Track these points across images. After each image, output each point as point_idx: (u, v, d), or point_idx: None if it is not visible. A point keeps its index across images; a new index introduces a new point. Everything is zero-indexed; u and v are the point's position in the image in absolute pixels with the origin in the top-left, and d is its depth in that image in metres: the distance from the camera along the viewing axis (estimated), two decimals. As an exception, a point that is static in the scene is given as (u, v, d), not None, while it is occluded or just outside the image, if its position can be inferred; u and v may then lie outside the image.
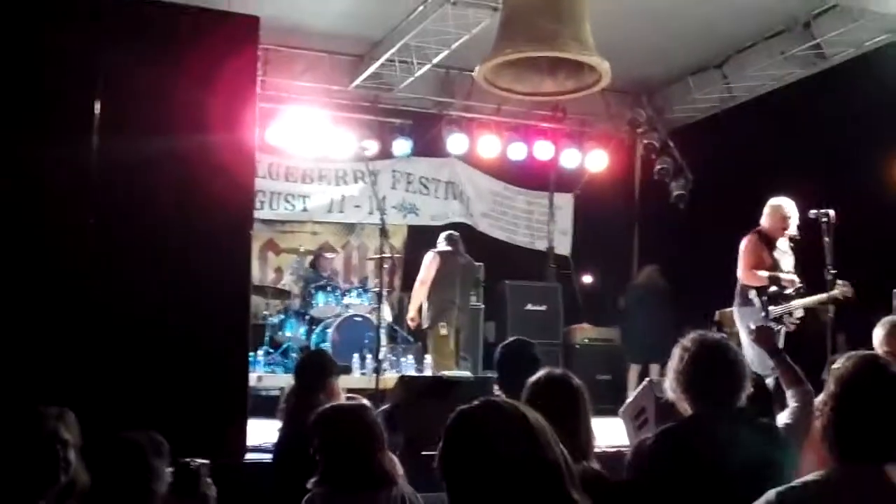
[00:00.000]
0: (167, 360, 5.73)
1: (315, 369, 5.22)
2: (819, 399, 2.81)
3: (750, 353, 5.33)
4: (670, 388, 3.60)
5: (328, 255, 10.86)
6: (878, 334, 5.11)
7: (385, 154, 11.19)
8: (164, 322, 5.76)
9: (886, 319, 5.17)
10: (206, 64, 6.04)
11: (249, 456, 5.91)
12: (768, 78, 9.99)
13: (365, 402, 4.76)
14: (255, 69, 6.46)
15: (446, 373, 8.17)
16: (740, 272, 7.49)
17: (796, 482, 2.68)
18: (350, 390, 6.52)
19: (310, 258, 10.70)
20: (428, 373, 9.09)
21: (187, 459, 3.21)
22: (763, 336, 4.61)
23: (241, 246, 6.25)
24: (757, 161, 9.54)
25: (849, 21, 8.67)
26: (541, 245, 12.33)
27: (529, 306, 11.01)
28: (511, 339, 5.48)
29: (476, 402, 2.30)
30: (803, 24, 9.18)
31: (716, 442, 3.36)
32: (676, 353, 3.61)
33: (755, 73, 10.06)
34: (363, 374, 9.12)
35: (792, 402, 4.05)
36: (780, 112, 9.83)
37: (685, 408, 3.55)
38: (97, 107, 5.74)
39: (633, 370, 10.29)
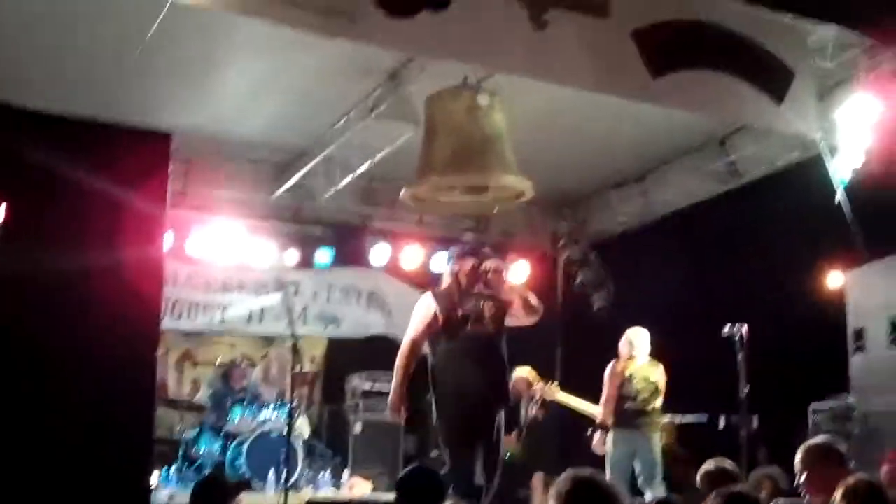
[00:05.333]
0: (66, 481, 5.55)
1: (209, 499, 5.04)
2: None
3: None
4: None
5: (245, 367, 10.66)
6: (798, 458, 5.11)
7: (306, 264, 11.08)
8: (63, 441, 5.60)
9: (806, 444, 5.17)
10: (117, 179, 5.99)
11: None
12: (686, 193, 10.15)
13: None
14: (165, 185, 6.43)
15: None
16: None
17: None
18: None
19: (226, 371, 10.49)
20: (345, 489, 8.91)
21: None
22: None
23: (147, 363, 6.13)
24: (675, 274, 9.63)
25: (761, 139, 8.87)
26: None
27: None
28: (413, 467, 5.34)
29: None
30: (719, 141, 9.39)
31: None
32: (552, 494, 3.58)
33: (674, 188, 10.23)
34: (277, 491, 8.87)
35: None
36: (698, 226, 9.98)
37: None
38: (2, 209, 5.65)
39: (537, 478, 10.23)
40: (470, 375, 6.56)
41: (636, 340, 8.48)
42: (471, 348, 6.64)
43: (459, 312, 6.73)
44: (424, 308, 6.91)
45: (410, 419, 7.29)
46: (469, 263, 6.92)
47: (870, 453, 5.79)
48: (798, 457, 4.76)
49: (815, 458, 4.71)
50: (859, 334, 6.96)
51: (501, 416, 6.79)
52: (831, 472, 4.36)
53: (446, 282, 6.99)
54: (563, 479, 3.59)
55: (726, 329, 7.11)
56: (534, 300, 6.94)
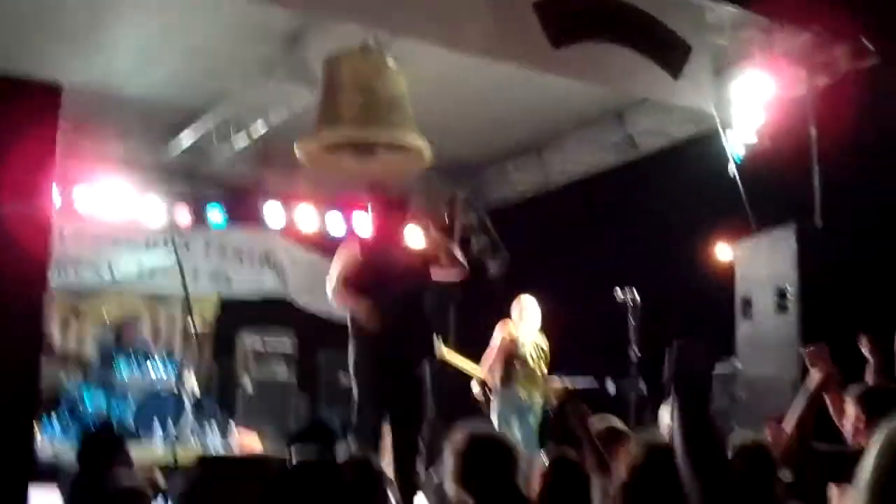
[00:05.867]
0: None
1: (96, 449, 4.95)
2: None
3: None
4: (450, 489, 3.58)
5: (134, 324, 10.47)
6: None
7: (199, 223, 10.91)
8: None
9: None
10: (2, 132, 5.78)
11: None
12: (583, 164, 10.26)
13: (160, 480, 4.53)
14: (54, 138, 6.20)
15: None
16: None
17: None
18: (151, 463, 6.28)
19: (114, 327, 10.29)
20: (234, 445, 8.88)
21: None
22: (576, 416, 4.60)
23: (34, 316, 5.95)
24: (571, 242, 9.77)
25: (658, 113, 9.02)
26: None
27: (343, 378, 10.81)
28: (310, 420, 5.34)
29: None
30: (616, 114, 9.52)
31: None
32: (448, 451, 3.60)
33: (571, 159, 10.33)
34: (165, 446, 8.77)
35: (597, 493, 4.07)
36: (595, 195, 10.12)
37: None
38: None
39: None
40: (391, 327, 6.49)
41: (528, 306, 8.59)
42: (393, 300, 6.58)
43: (382, 263, 6.67)
44: (347, 253, 6.83)
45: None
46: (393, 215, 6.88)
47: (756, 416, 5.96)
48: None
49: None
50: (747, 303, 7.14)
51: (425, 370, 6.76)
52: None
53: (370, 233, 6.92)
54: (460, 436, 3.61)
55: (618, 294, 7.24)
56: (459, 254, 6.93)
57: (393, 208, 6.99)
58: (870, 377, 5.23)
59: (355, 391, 6.63)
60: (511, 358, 8.47)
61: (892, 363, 5.19)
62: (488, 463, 3.53)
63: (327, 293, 6.83)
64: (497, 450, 3.58)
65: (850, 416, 4.28)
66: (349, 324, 6.79)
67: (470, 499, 3.50)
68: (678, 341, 2.22)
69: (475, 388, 8.62)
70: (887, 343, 5.24)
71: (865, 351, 5.27)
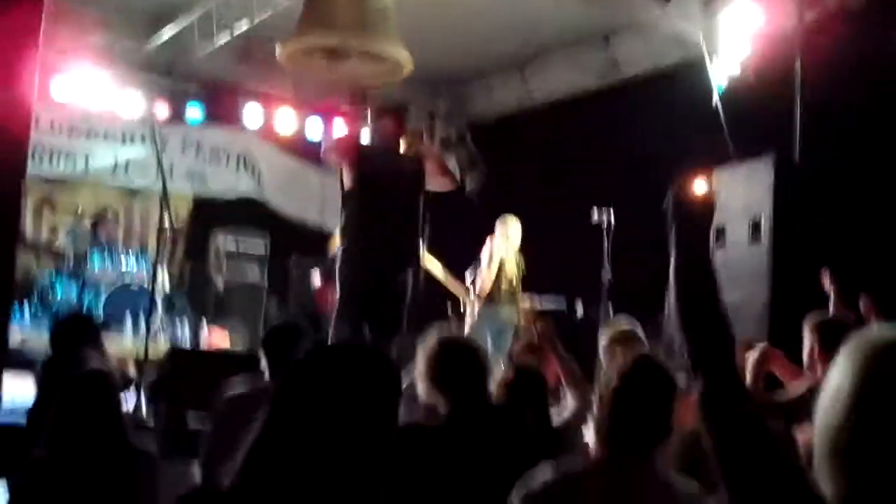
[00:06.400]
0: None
1: (69, 334, 4.97)
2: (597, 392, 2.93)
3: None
4: (422, 390, 3.64)
5: (109, 217, 10.44)
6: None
7: (177, 119, 10.81)
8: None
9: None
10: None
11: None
12: (566, 84, 10.23)
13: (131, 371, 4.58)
14: (37, 21, 6.10)
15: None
16: None
17: (551, 473, 2.77)
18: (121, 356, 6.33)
19: (90, 220, 10.25)
20: (203, 342, 8.94)
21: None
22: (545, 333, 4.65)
23: (10, 203, 5.91)
24: (550, 162, 9.78)
25: (644, 37, 8.99)
26: (333, 226, 12.20)
27: (315, 283, 10.87)
28: (282, 321, 5.38)
29: None
30: (603, 37, 9.47)
31: (470, 440, 3.42)
32: (423, 353, 3.66)
33: (554, 78, 10.30)
34: (136, 341, 8.82)
35: (572, 402, 4.14)
36: (576, 117, 10.09)
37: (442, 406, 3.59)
38: None
39: None
40: (383, 234, 6.50)
41: (513, 226, 8.60)
42: (390, 206, 6.57)
43: (380, 168, 6.65)
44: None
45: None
46: (389, 122, 6.85)
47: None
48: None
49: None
50: (721, 231, 7.20)
51: (408, 278, 6.78)
52: None
53: (367, 138, 6.87)
54: (437, 339, 3.66)
55: (594, 215, 7.27)
56: (451, 164, 6.91)
57: (389, 116, 6.95)
58: (832, 311, 5.30)
59: (338, 295, 6.67)
60: (498, 277, 8.54)
61: (855, 298, 5.26)
62: (463, 366, 3.59)
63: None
64: (472, 355, 3.64)
65: (806, 346, 4.35)
66: (340, 230, 6.80)
67: (442, 398, 3.57)
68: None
69: (463, 301, 8.65)
70: (855, 277, 5.33)
71: (826, 285, 5.35)
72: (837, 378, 1.66)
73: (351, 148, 6.85)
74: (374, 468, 1.95)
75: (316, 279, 9.61)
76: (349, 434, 1.93)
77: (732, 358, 1.86)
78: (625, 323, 5.30)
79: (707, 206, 2.11)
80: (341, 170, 6.78)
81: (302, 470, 1.90)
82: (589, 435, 3.28)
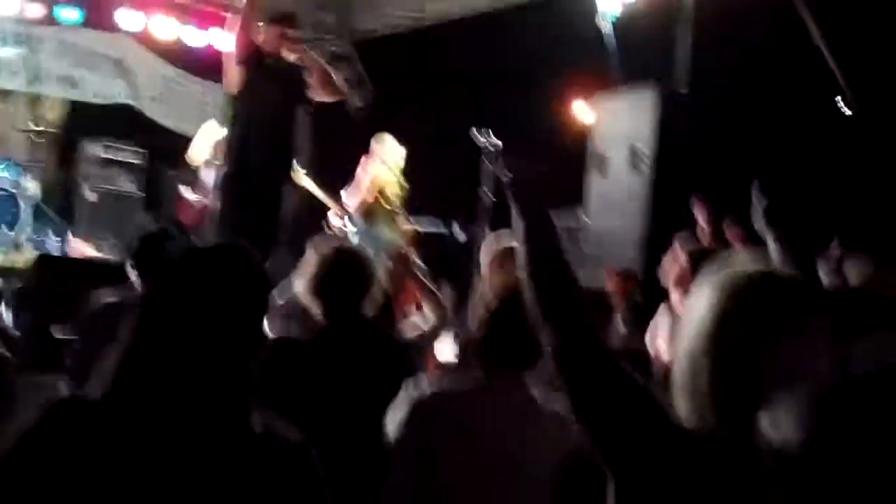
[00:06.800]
0: None
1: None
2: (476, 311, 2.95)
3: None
4: (302, 296, 3.62)
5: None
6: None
7: (49, 20, 10.31)
8: None
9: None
10: None
11: None
12: (456, 4, 10.11)
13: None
14: None
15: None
16: None
17: (427, 390, 2.81)
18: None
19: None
20: (70, 252, 8.69)
21: None
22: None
23: None
24: (435, 85, 9.70)
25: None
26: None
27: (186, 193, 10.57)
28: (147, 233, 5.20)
29: None
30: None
31: (342, 353, 3.43)
32: (307, 258, 3.64)
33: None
34: (2, 251, 8.50)
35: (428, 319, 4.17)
36: (465, 40, 10.01)
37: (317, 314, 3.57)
38: None
39: None
40: (258, 143, 6.37)
41: (391, 145, 8.52)
42: (265, 115, 6.43)
43: (262, 76, 6.48)
44: None
45: None
46: (276, 30, 6.66)
47: (601, 269, 6.15)
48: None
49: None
50: (601, 159, 7.27)
51: (283, 193, 6.66)
52: None
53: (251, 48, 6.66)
54: (328, 246, 3.63)
55: (475, 136, 7.22)
56: (337, 79, 6.78)
57: (276, 25, 6.75)
58: (703, 239, 5.38)
59: (217, 206, 6.56)
60: (378, 196, 8.44)
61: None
62: (350, 274, 3.56)
63: None
64: (361, 265, 3.62)
65: (672, 267, 4.38)
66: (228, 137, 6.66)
67: (319, 306, 3.54)
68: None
69: (335, 220, 8.55)
70: (732, 208, 5.41)
71: (696, 213, 5.43)
72: (699, 308, 1.73)
73: (246, 50, 6.65)
74: (245, 369, 1.94)
75: (183, 191, 9.31)
76: (220, 333, 1.91)
77: (581, 311, 1.89)
78: (507, 239, 5.28)
79: (541, 184, 2.16)
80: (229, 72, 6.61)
81: (175, 373, 1.87)
82: (443, 350, 3.30)
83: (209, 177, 8.11)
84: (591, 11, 8.08)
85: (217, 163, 7.55)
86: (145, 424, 1.84)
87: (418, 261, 4.58)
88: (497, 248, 4.41)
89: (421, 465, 2.78)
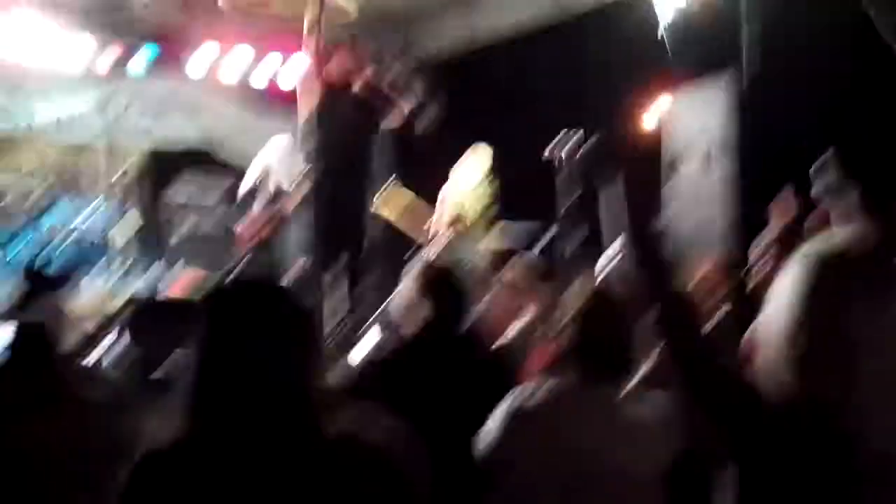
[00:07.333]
0: None
1: (29, 290, 4.92)
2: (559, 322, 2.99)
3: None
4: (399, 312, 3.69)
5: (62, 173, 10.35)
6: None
7: (121, 71, 10.60)
8: None
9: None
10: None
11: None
12: (513, 21, 10.19)
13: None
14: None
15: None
16: None
17: (530, 397, 2.84)
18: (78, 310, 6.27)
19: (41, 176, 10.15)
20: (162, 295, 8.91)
21: None
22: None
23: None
24: (500, 102, 9.72)
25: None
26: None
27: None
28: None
29: None
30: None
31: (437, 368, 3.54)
32: (410, 283, 3.70)
33: (500, 16, 10.26)
34: (93, 295, 8.75)
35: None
36: (523, 55, 10.05)
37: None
38: None
39: None
40: (336, 171, 6.47)
41: (477, 157, 8.54)
42: (341, 145, 6.53)
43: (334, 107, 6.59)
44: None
45: None
46: (343, 58, 6.76)
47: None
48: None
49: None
50: (675, 159, 7.24)
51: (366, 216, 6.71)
52: None
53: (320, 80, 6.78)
54: (422, 268, 3.71)
55: (547, 150, 7.22)
56: (404, 103, 6.88)
57: (342, 55, 6.86)
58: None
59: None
60: (459, 213, 8.46)
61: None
62: (444, 290, 3.64)
63: None
64: (454, 281, 3.72)
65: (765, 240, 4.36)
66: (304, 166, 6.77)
67: (415, 322, 3.60)
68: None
69: (421, 243, 8.57)
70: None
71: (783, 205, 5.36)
72: (789, 286, 1.80)
73: (317, 79, 6.76)
74: (304, 385, 2.07)
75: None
76: (272, 361, 2.03)
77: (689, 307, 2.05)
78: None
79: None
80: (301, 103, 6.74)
81: (241, 404, 2.01)
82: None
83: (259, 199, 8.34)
84: (651, 15, 8.05)
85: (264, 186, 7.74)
86: (228, 457, 1.98)
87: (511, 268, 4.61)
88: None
89: (517, 479, 2.79)
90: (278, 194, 8.86)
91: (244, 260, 6.83)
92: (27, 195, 9.93)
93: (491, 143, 8.67)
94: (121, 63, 10.54)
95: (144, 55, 10.64)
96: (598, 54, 8.79)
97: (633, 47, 8.36)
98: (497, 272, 4.90)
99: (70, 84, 10.63)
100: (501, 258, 8.83)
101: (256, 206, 8.79)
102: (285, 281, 6.34)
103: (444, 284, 3.67)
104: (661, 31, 7.97)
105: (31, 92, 10.55)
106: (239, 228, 9.10)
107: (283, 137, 8.92)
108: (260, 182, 8.71)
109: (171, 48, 10.90)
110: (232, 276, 4.04)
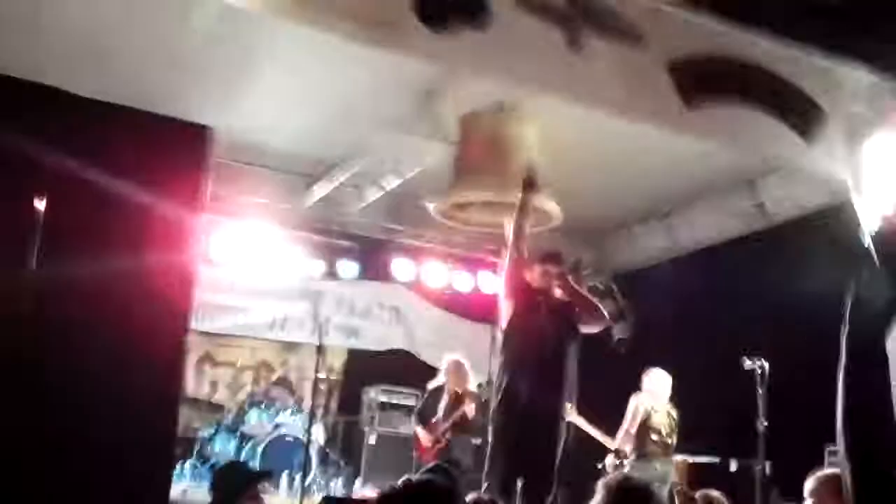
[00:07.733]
0: (91, 476, 5.64)
1: (231, 482, 5.11)
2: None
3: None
4: None
5: (268, 374, 10.79)
6: (808, 487, 5.12)
7: (331, 275, 11.17)
8: (87, 435, 5.67)
9: (817, 474, 5.19)
10: (154, 170, 6.03)
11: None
12: (712, 231, 10.17)
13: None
14: (204, 179, 6.44)
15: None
16: None
17: None
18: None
19: (249, 374, 10.62)
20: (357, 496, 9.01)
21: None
22: None
23: (174, 362, 6.16)
24: (698, 310, 9.64)
25: (790, 182, 8.91)
26: (481, 378, 12.26)
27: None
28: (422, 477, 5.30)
29: None
30: (747, 182, 9.42)
31: None
32: (600, 489, 3.69)
33: (699, 226, 10.26)
34: (291, 495, 8.96)
35: None
36: (722, 265, 9.98)
37: None
38: (41, 205, 5.56)
39: None
40: (536, 382, 6.49)
41: (659, 378, 8.56)
42: (543, 355, 6.59)
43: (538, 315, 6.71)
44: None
45: None
46: (542, 268, 6.93)
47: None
48: (808, 486, 4.78)
49: (824, 489, 4.75)
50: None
51: (560, 429, 6.67)
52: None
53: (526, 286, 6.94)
54: (614, 479, 3.71)
55: (745, 363, 7.12)
56: (603, 313, 6.94)
57: (547, 262, 7.03)
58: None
59: (490, 440, 6.65)
60: (647, 430, 8.43)
61: None
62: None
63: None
64: (647, 495, 3.67)
65: None
66: (499, 373, 6.83)
67: None
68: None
69: (609, 459, 8.55)
70: None
71: None
72: None
73: (517, 287, 6.93)
74: None
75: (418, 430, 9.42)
76: None
77: None
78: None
79: None
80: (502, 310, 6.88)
81: None
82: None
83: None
84: (852, 225, 7.92)
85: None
86: None
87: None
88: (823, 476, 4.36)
89: None
90: (461, 397, 9.00)
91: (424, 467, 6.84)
92: (238, 390, 10.39)
93: (681, 355, 8.57)
94: (332, 266, 11.11)
95: (354, 259, 11.18)
96: (800, 261, 8.65)
97: (837, 255, 8.20)
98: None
99: (285, 286, 11.29)
100: (690, 472, 8.66)
101: (440, 411, 8.93)
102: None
103: (632, 497, 3.65)
104: (865, 241, 7.81)
105: (249, 293, 11.22)
106: (421, 432, 9.19)
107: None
108: (444, 385, 8.88)
109: (379, 252, 11.44)
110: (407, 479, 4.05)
